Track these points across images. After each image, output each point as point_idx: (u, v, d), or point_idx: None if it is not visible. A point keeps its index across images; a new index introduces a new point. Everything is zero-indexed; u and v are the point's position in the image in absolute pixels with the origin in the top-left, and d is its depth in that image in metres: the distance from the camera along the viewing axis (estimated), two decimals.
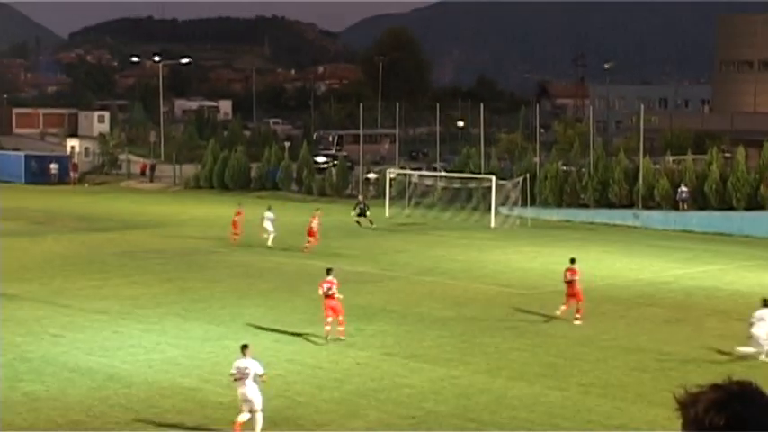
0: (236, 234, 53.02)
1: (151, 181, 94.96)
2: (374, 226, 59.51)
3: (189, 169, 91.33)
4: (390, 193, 69.22)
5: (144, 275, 42.91)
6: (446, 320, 34.33)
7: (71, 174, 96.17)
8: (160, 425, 22.78)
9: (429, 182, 72.36)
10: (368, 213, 60.35)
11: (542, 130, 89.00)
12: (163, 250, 50.65)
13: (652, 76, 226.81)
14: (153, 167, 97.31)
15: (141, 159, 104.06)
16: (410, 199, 69.76)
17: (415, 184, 71.14)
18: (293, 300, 37.44)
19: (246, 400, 21.93)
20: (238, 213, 53.94)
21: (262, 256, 48.63)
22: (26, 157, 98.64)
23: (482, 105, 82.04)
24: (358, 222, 59.90)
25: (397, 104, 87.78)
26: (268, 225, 52.05)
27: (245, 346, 22.84)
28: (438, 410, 23.97)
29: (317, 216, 51.75)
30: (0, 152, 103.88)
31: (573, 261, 35.63)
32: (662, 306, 37.37)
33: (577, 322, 33.97)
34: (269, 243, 51.19)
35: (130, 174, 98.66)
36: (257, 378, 22.18)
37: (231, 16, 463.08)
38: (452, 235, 58.45)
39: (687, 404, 3.59)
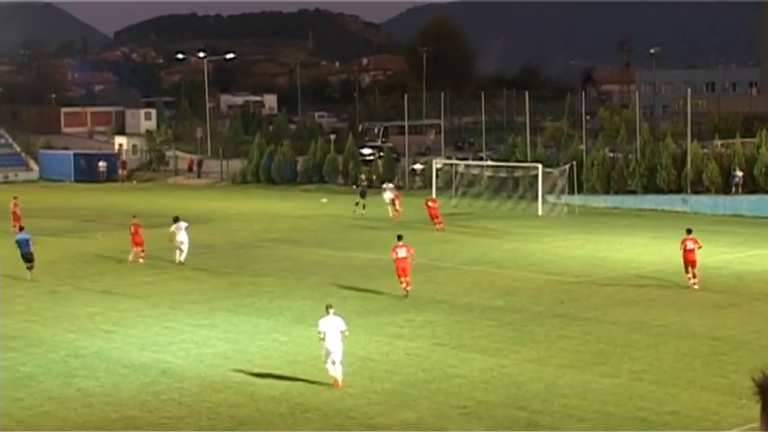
0: None
1: (198, 177, 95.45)
2: (362, 212, 60.46)
3: (235, 164, 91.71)
4: (437, 183, 69.12)
5: (193, 271, 43.14)
6: (495, 310, 34.27)
7: (119, 171, 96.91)
8: (212, 419, 22.92)
9: (475, 171, 72.13)
10: (365, 197, 61.41)
11: (588, 117, 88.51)
12: (211, 245, 50.90)
13: (698, 60, 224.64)
14: (200, 163, 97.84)
15: (188, 155, 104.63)
16: (457, 189, 69.63)
17: (462, 173, 70.97)
18: (341, 292, 37.49)
19: (330, 353, 25.00)
20: None
21: (309, 250, 48.75)
22: (75, 155, 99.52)
23: (527, 94, 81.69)
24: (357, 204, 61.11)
25: (442, 95, 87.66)
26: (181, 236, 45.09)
27: (329, 306, 25.99)
28: (488, 400, 23.94)
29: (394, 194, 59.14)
30: (49, 151, 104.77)
31: (690, 231, 38.44)
32: (713, 291, 37.06)
33: (696, 287, 36.92)
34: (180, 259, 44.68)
35: (178, 170, 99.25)
36: (341, 333, 25.18)
37: (274, 11, 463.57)
38: (499, 224, 58.28)
39: (766, 387, 3.57)
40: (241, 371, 26.83)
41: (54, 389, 25.40)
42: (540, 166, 65.10)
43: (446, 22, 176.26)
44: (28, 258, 41.51)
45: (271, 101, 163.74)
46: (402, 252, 36.95)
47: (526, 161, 70.38)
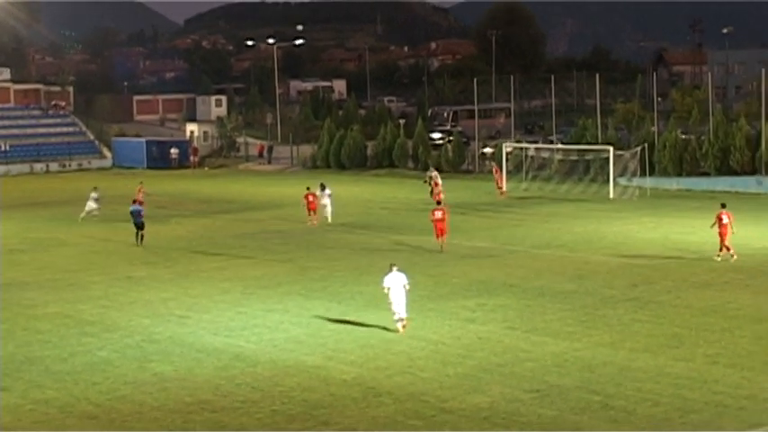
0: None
1: (269, 162, 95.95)
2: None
3: (306, 149, 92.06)
4: (507, 167, 68.84)
5: (265, 256, 43.42)
6: (567, 293, 34.07)
7: (191, 158, 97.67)
8: (286, 403, 23.04)
9: (545, 154, 71.69)
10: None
11: (659, 99, 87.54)
12: (282, 230, 51.18)
13: None
14: (270, 149, 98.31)
15: (258, 141, 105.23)
16: (527, 172, 69.29)
17: (532, 157, 70.60)
18: (413, 276, 37.26)
19: (394, 305, 28.84)
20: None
21: (379, 234, 48.80)
22: (147, 142, 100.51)
23: (597, 75, 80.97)
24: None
25: (512, 78, 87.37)
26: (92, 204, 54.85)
27: (393, 264, 29.60)
28: (562, 384, 23.82)
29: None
30: (123, 139, 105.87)
31: (724, 206, 39.77)
32: None
33: (734, 257, 38.60)
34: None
35: (248, 156, 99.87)
36: (405, 287, 28.93)
37: None
38: (571, 207, 57.94)
39: None
40: (314, 355, 26.95)
41: (130, 373, 25.70)
42: (611, 148, 64.56)
43: (515, 5, 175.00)
44: (139, 226, 47.49)
45: (340, 86, 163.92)
46: (439, 214, 43.29)
47: (597, 144, 69.80)
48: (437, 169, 68.49)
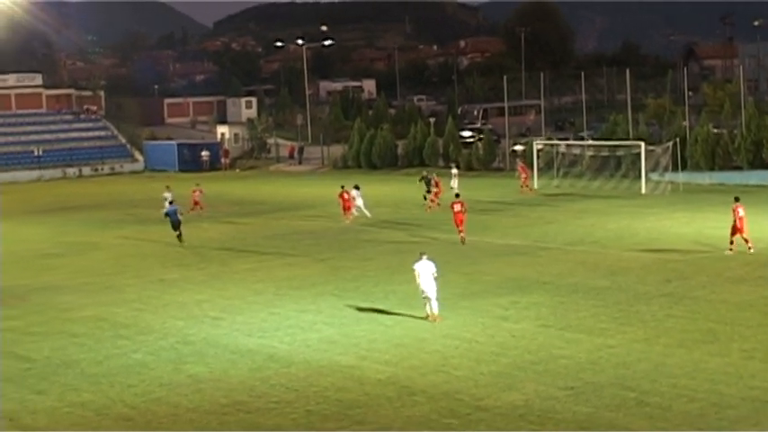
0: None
1: (300, 163, 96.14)
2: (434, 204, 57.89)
3: (336, 150, 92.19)
4: (538, 164, 68.72)
5: (297, 257, 43.49)
6: (600, 290, 33.95)
7: (222, 160, 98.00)
8: (320, 403, 23.08)
9: (576, 151, 71.53)
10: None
11: (691, 93, 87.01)
12: (314, 231, 51.26)
13: None
14: (301, 150, 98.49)
15: (289, 142, 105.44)
16: (558, 169, 69.14)
17: (563, 153, 70.45)
18: (446, 275, 37.33)
19: (424, 292, 30.17)
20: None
21: (412, 233, 48.78)
22: (178, 145, 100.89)
23: (627, 71, 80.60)
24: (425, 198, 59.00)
25: (542, 75, 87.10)
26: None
27: (422, 253, 31.20)
28: (596, 381, 23.74)
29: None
30: (154, 142, 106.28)
31: (737, 199, 40.20)
32: None
33: (752, 250, 39.02)
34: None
35: (279, 157, 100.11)
36: (434, 275, 30.20)
37: None
38: (602, 203, 57.74)
39: None
40: (347, 355, 26.98)
41: (165, 375, 25.81)
42: (642, 143, 64.31)
43: (544, 2, 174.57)
44: (175, 226, 48.48)
45: (370, 86, 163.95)
46: (458, 207, 45.26)
47: (628, 139, 69.55)
48: (459, 166, 68.45)
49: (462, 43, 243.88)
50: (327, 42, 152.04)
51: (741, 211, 39.40)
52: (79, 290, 37.98)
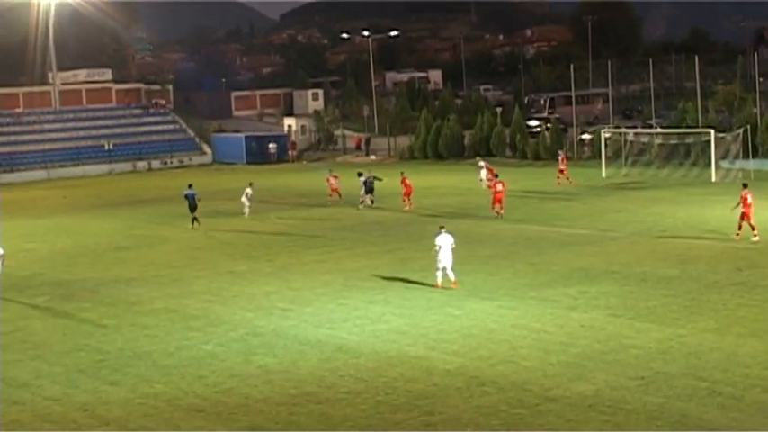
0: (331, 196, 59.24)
1: (367, 154, 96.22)
2: (370, 206, 57.35)
3: (403, 141, 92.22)
4: (606, 153, 68.22)
5: (365, 248, 43.57)
6: (671, 279, 33.64)
7: (289, 152, 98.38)
8: (389, 393, 23.11)
9: (645, 139, 70.92)
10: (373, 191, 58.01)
11: (761, 79, 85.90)
12: (381, 222, 51.31)
13: None
14: (368, 141, 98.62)
15: (356, 134, 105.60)
16: (626, 158, 68.58)
17: (631, 142, 69.87)
18: (514, 265, 37.37)
19: (441, 262, 33.44)
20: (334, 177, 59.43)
21: (478, 223, 48.68)
22: (246, 138, 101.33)
23: (696, 58, 79.71)
24: (363, 201, 57.68)
25: (609, 63, 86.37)
26: (245, 200, 55.92)
27: (441, 226, 34.55)
28: (667, 370, 23.53)
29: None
30: (222, 135, 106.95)
31: (746, 186, 41.25)
32: None
33: (756, 239, 39.47)
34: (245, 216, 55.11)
35: (346, 149, 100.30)
36: (452, 246, 33.41)
37: None
38: (672, 192, 57.19)
39: None
40: (416, 345, 26.99)
41: (235, 366, 25.99)
42: (712, 131, 63.60)
43: None
44: (192, 209, 51.75)
45: (436, 76, 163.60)
46: (500, 186, 50.09)
47: (697, 127, 68.81)
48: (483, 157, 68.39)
49: (528, 32, 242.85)
50: (393, 33, 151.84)
51: (750, 198, 40.12)
52: (150, 282, 38.36)
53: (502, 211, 49.78)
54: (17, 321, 32.63)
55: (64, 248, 48.23)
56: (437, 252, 33.58)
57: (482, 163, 65.05)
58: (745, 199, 40.01)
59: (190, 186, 53.44)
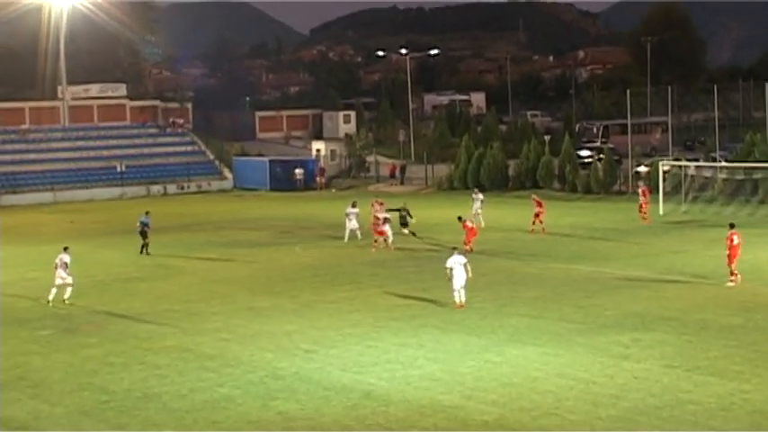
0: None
1: (401, 183, 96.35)
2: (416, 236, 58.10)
3: (441, 169, 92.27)
4: (664, 187, 68.04)
5: (397, 285, 43.56)
6: (733, 328, 33.46)
7: (317, 178, 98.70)
8: None
9: (708, 173, 70.72)
10: (410, 221, 58.65)
11: None
12: (416, 257, 51.31)
13: None
14: (403, 168, 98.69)
15: (390, 160, 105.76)
16: (687, 193, 68.40)
17: (692, 176, 69.69)
18: (560, 308, 37.27)
19: (455, 283, 37.20)
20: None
21: (522, 262, 48.62)
22: (270, 162, 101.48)
23: (766, 85, 79.55)
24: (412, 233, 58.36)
25: (669, 89, 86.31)
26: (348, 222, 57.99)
27: (454, 248, 39.22)
28: (728, 429, 23.40)
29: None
30: (244, 158, 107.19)
31: (733, 226, 42.39)
32: None
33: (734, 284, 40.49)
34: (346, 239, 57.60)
35: (379, 176, 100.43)
36: (466, 266, 37.23)
37: (481, 1, 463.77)
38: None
39: None
40: (451, 394, 26.93)
41: (253, 412, 26.00)
42: None
43: (673, 8, 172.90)
44: (143, 236, 55.21)
45: (479, 99, 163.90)
46: (469, 224, 52.57)
47: (766, 161, 68.55)
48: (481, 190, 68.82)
49: (581, 53, 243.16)
50: (433, 52, 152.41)
51: (736, 239, 41.21)
52: (162, 317, 38.48)
53: (468, 247, 50.11)
54: (16, 357, 32.80)
55: None
56: (451, 274, 37.36)
57: (480, 196, 64.61)
58: (731, 240, 41.31)
59: (147, 214, 56.86)
